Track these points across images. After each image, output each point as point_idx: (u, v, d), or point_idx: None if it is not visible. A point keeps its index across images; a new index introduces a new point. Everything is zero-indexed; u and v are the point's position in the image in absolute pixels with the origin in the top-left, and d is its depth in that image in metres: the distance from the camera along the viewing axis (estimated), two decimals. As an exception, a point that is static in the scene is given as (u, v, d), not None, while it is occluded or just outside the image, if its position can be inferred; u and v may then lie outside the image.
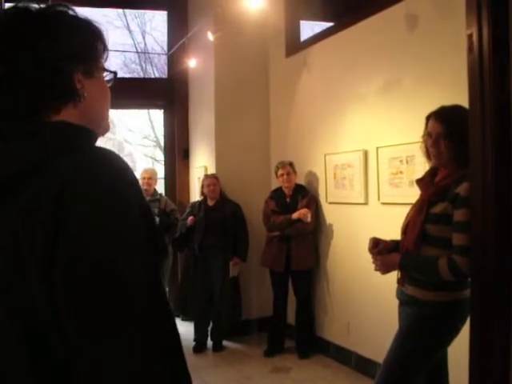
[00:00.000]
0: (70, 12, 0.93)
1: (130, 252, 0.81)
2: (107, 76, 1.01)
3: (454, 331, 2.25)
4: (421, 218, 2.24)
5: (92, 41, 0.95)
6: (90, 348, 0.76)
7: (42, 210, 0.78)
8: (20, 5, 0.91)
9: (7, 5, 2.03)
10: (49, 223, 0.77)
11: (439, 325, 2.23)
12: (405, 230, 2.36)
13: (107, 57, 1.00)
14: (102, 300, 0.77)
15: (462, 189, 2.12)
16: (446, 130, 2.21)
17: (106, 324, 0.77)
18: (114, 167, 0.85)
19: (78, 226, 0.77)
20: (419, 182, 2.40)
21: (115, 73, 1.02)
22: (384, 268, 2.38)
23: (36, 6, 0.91)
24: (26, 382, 0.79)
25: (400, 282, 2.37)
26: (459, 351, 2.23)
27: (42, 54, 0.87)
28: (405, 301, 2.36)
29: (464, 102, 1.88)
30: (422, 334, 2.25)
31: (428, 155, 2.36)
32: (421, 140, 2.42)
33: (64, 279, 0.77)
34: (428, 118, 2.33)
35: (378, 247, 2.43)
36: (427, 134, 2.31)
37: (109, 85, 1.01)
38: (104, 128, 1.00)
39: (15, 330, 0.79)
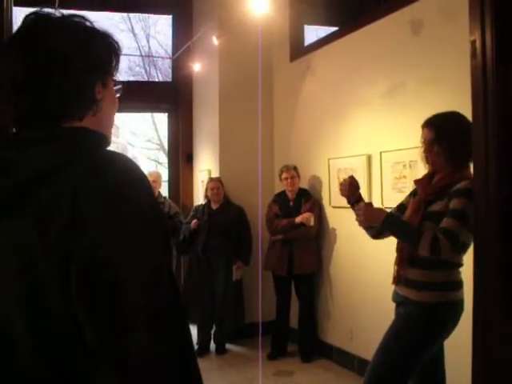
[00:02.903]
0: (87, 23, 0.95)
1: (148, 257, 0.83)
2: (117, 87, 1.04)
3: (444, 332, 2.28)
4: (419, 216, 2.29)
5: (110, 53, 0.97)
6: (107, 350, 0.78)
7: (58, 213, 0.79)
8: (40, 12, 0.92)
9: (15, 8, 2.05)
10: (65, 226, 0.79)
11: (431, 325, 2.26)
12: None
13: (118, 68, 1.02)
14: (121, 304, 0.79)
15: (459, 185, 2.18)
16: (437, 135, 2.30)
17: (123, 325, 0.79)
18: (128, 171, 0.87)
19: (96, 230, 0.79)
20: (418, 181, 2.46)
21: (123, 84, 1.05)
22: (366, 218, 2.36)
23: (56, 13, 0.92)
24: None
25: (394, 281, 2.40)
26: (459, 353, 2.23)
27: (71, 63, 0.89)
28: (399, 301, 2.40)
29: (467, 106, 1.89)
30: (412, 334, 2.28)
31: (426, 162, 2.42)
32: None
33: (80, 282, 0.78)
34: (423, 126, 2.41)
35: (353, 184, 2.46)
36: (422, 142, 2.39)
37: (117, 95, 1.04)
38: (109, 135, 1.03)
39: (31, 336, 0.81)
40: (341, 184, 2.49)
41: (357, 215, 2.41)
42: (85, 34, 0.93)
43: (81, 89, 0.91)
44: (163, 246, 0.86)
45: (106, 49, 0.96)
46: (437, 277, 2.24)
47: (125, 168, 0.86)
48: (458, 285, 2.27)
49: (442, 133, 2.28)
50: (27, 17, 0.93)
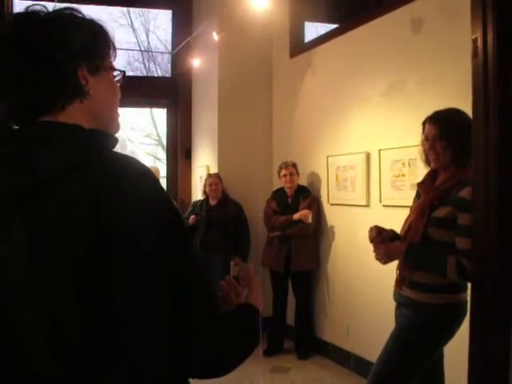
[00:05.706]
0: (77, 14, 0.95)
1: (183, 252, 0.88)
2: (117, 75, 1.02)
3: (450, 333, 2.27)
4: (423, 222, 2.25)
5: (96, 39, 0.96)
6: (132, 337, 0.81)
7: (79, 216, 0.79)
8: (29, 10, 0.92)
9: (16, 1, 2.04)
10: (86, 228, 0.79)
11: (435, 327, 2.25)
12: (405, 234, 2.37)
13: (115, 56, 1.01)
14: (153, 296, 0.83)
15: (466, 193, 2.12)
16: (441, 130, 2.25)
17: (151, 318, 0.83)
18: (145, 174, 0.88)
19: (122, 230, 0.80)
20: (420, 185, 2.42)
21: (124, 72, 1.03)
22: (387, 256, 2.35)
23: (44, 10, 0.93)
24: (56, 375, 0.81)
25: (398, 284, 2.38)
26: (458, 354, 2.24)
27: (48, 54, 0.89)
28: (402, 302, 2.38)
29: (468, 105, 1.89)
30: (417, 335, 2.27)
31: (427, 160, 2.39)
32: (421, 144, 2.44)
33: (116, 278, 0.80)
34: (424, 123, 2.37)
35: (382, 236, 2.40)
36: (425, 139, 2.34)
37: (118, 84, 1.02)
38: (114, 128, 1.02)
39: (41, 329, 0.80)
40: (374, 236, 2.43)
41: (377, 253, 2.39)
42: (65, 23, 0.92)
43: (62, 77, 0.90)
44: (189, 239, 0.93)
45: (90, 34, 0.94)
46: (441, 279, 2.20)
47: (141, 172, 0.87)
48: (463, 287, 2.26)
49: (447, 128, 2.24)
50: (15, 17, 0.93)
